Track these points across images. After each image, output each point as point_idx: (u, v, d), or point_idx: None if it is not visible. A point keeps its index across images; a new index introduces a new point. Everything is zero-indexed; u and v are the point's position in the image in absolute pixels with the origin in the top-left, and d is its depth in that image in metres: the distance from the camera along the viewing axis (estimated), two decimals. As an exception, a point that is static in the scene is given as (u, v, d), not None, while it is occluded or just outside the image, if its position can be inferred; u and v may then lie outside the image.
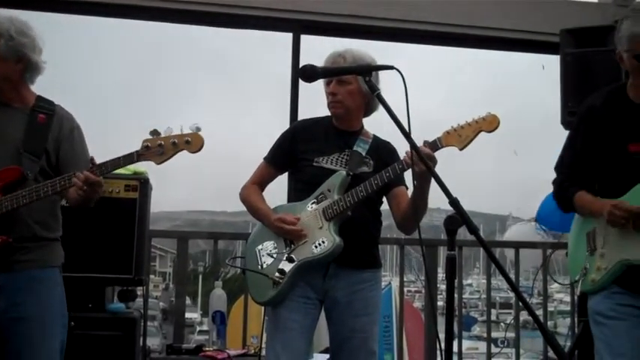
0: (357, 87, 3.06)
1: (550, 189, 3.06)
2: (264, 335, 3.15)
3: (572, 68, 4.61)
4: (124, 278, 3.98)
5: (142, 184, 4.03)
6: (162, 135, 2.74)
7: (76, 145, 2.98)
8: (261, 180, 3.26)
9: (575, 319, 4.93)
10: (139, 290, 4.19)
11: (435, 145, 2.84)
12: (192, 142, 2.74)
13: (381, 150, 3.18)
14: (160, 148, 2.72)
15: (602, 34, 4.56)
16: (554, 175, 3.05)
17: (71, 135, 2.97)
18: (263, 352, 3.35)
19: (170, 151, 2.74)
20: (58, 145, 2.92)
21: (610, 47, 4.43)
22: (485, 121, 2.83)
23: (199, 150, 2.76)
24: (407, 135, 2.44)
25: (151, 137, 2.74)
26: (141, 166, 3.99)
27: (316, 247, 2.98)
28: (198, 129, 2.75)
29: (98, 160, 2.77)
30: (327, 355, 3.54)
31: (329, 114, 3.23)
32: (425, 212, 3.04)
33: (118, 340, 3.82)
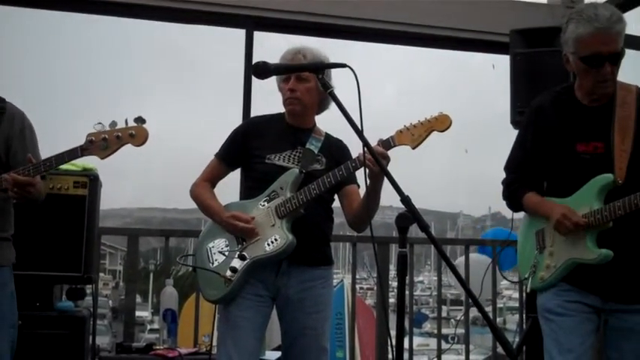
0: (314, 85, 3.06)
1: (498, 186, 3.10)
2: (216, 333, 3.13)
3: (522, 68, 4.68)
4: (73, 276, 3.92)
5: (92, 180, 3.97)
6: (107, 128, 2.69)
7: (27, 142, 2.92)
8: (212, 177, 3.23)
9: (524, 316, 5.01)
10: (88, 288, 4.13)
11: (388, 144, 2.86)
12: (137, 135, 2.70)
13: (333, 148, 3.18)
14: (104, 142, 2.68)
15: (552, 34, 4.63)
16: (503, 174, 3.09)
17: (22, 133, 2.92)
18: (214, 351, 3.32)
19: (114, 145, 2.69)
20: (8, 143, 2.87)
21: (559, 48, 4.52)
22: (438, 121, 2.86)
23: (144, 143, 2.72)
24: (359, 133, 2.45)
25: (95, 131, 2.69)
26: (90, 162, 3.93)
27: (269, 244, 2.97)
28: (143, 121, 2.70)
29: (44, 155, 2.73)
30: (279, 353, 3.54)
31: (282, 111, 3.22)
32: (377, 210, 3.05)
33: (66, 339, 3.76)
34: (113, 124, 2.70)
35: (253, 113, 4.86)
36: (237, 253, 3.01)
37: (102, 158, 2.72)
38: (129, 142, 2.70)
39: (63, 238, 3.89)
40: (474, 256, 5.74)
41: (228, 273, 2.98)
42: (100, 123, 2.70)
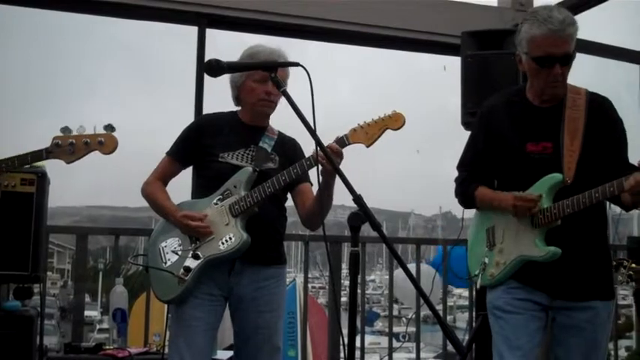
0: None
1: (449, 185, 3.14)
2: (168, 333, 3.11)
3: (472, 70, 4.73)
4: (20, 275, 3.84)
5: (40, 177, 3.89)
6: (74, 133, 2.64)
7: None
8: (164, 175, 3.20)
9: (474, 314, 5.08)
10: (36, 288, 4.06)
11: (342, 142, 2.88)
12: (106, 143, 2.65)
13: (286, 146, 3.19)
14: (71, 147, 2.63)
15: (501, 37, 4.70)
16: (454, 174, 3.13)
17: None
18: (166, 350, 3.30)
19: (82, 151, 2.65)
20: None
21: (508, 50, 4.60)
22: (391, 119, 2.89)
23: (113, 151, 2.68)
24: (312, 131, 2.46)
25: (61, 135, 2.64)
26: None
27: (223, 243, 2.96)
28: (113, 129, 2.66)
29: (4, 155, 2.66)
30: (231, 352, 3.53)
31: (234, 109, 3.21)
32: (330, 208, 3.06)
33: (13, 339, 3.68)
34: (81, 129, 2.65)
35: (205, 111, 4.83)
36: (191, 252, 2.99)
37: (67, 163, 2.67)
38: (97, 149, 2.65)
39: (10, 236, 3.80)
40: (424, 267, 5.79)
41: (182, 272, 2.96)
42: (67, 127, 2.64)
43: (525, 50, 2.79)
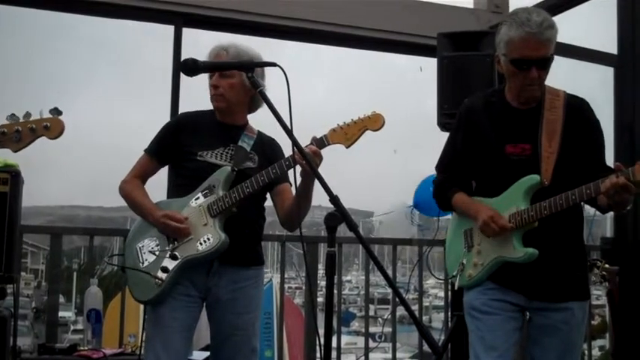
0: (239, 81, 3.03)
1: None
2: (144, 334, 3.08)
3: (448, 71, 4.74)
4: (-7, 275, 3.79)
5: (13, 177, 3.84)
6: (21, 120, 2.59)
7: None
8: (142, 173, 3.17)
9: (449, 314, 5.10)
10: (9, 288, 4.01)
11: (321, 143, 2.88)
12: (52, 128, 2.58)
13: (266, 146, 3.18)
14: (17, 134, 2.56)
15: (477, 38, 4.72)
16: (429, 174, 3.14)
17: None
18: (142, 351, 3.27)
19: (28, 138, 2.58)
20: None
21: (484, 52, 4.63)
22: (371, 120, 2.90)
23: (59, 135, 2.60)
24: (289, 132, 2.46)
25: (7, 122, 2.59)
26: (11, 158, 3.81)
27: (201, 244, 2.94)
28: (59, 113, 2.60)
29: None
30: (207, 353, 3.51)
31: (212, 108, 3.20)
32: (309, 209, 3.06)
33: (-14, 341, 3.64)
34: (27, 115, 2.59)
35: (181, 110, 4.81)
36: (169, 252, 2.97)
37: (14, 151, 2.60)
38: (43, 134, 2.58)
39: (-17, 236, 3.76)
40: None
41: (160, 273, 2.94)
42: (13, 114, 2.58)
43: (503, 52, 2.81)
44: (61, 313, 6.05)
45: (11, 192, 3.83)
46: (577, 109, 2.88)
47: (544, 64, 2.78)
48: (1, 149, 2.61)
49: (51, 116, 2.59)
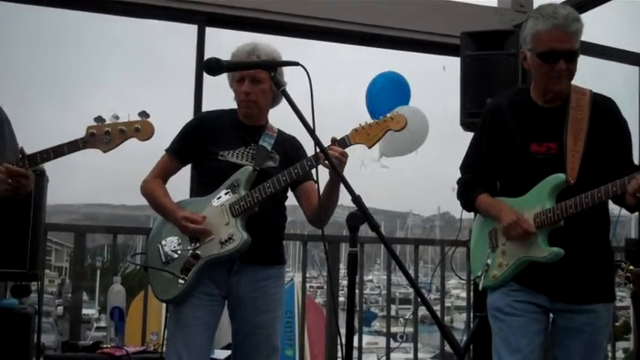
0: (269, 86, 3.04)
1: (447, 186, 3.14)
2: (166, 332, 3.10)
3: (472, 70, 4.72)
4: (18, 273, 3.83)
5: (38, 175, 3.87)
6: (108, 122, 2.64)
7: (6, 139, 2.85)
8: (164, 173, 3.18)
9: (471, 315, 5.08)
10: (34, 285, 4.05)
11: (343, 143, 2.87)
12: (142, 130, 2.64)
13: (287, 145, 3.18)
14: (106, 136, 2.62)
15: (501, 37, 4.70)
16: (452, 174, 3.13)
17: (1, 128, 2.85)
18: (164, 349, 3.29)
19: (118, 139, 2.63)
20: None
21: (508, 51, 4.60)
22: (394, 120, 2.89)
23: (150, 137, 2.66)
24: (311, 132, 2.45)
25: (95, 124, 2.64)
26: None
27: (223, 243, 2.95)
28: (147, 115, 2.66)
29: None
30: (229, 351, 3.52)
31: (233, 107, 3.20)
32: (336, 205, 3.04)
33: (11, 337, 3.68)
34: (115, 117, 2.64)
35: (204, 109, 4.83)
36: (191, 251, 2.98)
37: (104, 152, 2.66)
38: (134, 136, 2.64)
39: (8, 234, 3.80)
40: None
41: (182, 272, 2.96)
42: (100, 116, 2.64)
43: (530, 46, 2.79)
44: (84, 311, 6.10)
45: (36, 190, 3.86)
46: (603, 107, 2.85)
47: (571, 57, 2.75)
48: (90, 149, 2.65)
49: (140, 119, 2.64)
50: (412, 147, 5.48)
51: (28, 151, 2.66)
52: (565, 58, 2.73)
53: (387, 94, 5.63)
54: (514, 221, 2.78)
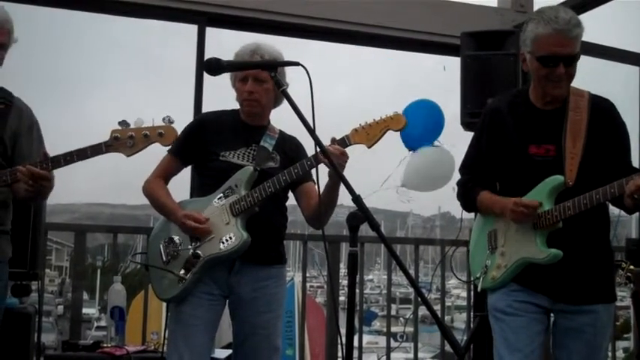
0: (272, 85, 3.04)
1: (447, 185, 3.14)
2: (166, 331, 3.11)
3: (472, 70, 4.73)
4: (18, 272, 3.82)
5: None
6: (132, 126, 2.65)
7: (34, 141, 2.88)
8: (165, 173, 3.19)
9: (472, 315, 5.08)
10: (34, 285, 4.06)
11: (343, 143, 2.88)
12: (166, 135, 2.67)
13: (287, 145, 3.18)
14: (130, 140, 2.64)
15: (501, 38, 4.70)
16: (452, 174, 3.13)
17: (30, 130, 2.89)
18: (165, 348, 3.30)
19: (141, 144, 2.66)
20: (15, 138, 2.82)
21: (508, 51, 4.60)
22: (393, 120, 2.89)
23: (172, 143, 2.70)
24: (311, 131, 2.46)
25: (120, 128, 2.65)
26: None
27: (223, 242, 2.95)
28: (171, 121, 2.68)
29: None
30: (229, 351, 3.53)
31: (234, 107, 3.21)
32: (335, 206, 3.05)
33: (11, 337, 3.68)
34: (139, 121, 2.66)
35: (204, 109, 4.83)
36: (191, 251, 2.99)
37: (127, 156, 2.68)
38: (157, 141, 2.67)
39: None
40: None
41: (182, 271, 2.96)
42: (124, 120, 2.66)
43: (530, 49, 2.79)
44: (84, 310, 6.10)
45: (36, 190, 3.87)
46: (602, 110, 2.85)
47: (571, 61, 2.76)
48: (114, 153, 2.67)
49: (164, 124, 2.66)
50: (435, 186, 5.44)
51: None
52: (565, 62, 2.74)
53: (422, 122, 5.39)
54: (515, 202, 2.77)
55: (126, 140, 2.65)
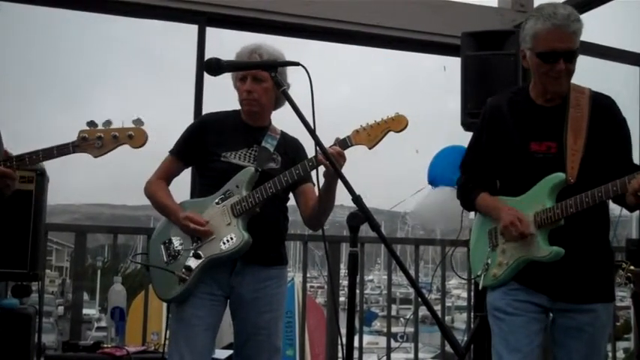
0: (271, 85, 3.04)
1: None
2: (167, 332, 3.11)
3: (472, 70, 4.73)
4: (19, 273, 3.84)
5: (38, 175, 3.89)
6: (100, 127, 2.63)
7: None
8: (167, 174, 3.19)
9: (472, 315, 5.08)
10: (34, 285, 4.06)
11: (344, 144, 2.88)
12: (135, 137, 2.63)
13: (289, 146, 3.18)
14: (98, 141, 2.61)
15: (501, 38, 4.70)
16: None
17: None
18: (165, 349, 3.30)
19: (110, 145, 2.62)
20: None
21: (508, 51, 4.60)
22: (394, 121, 2.89)
23: (143, 145, 2.65)
24: (312, 132, 2.46)
25: (87, 128, 2.63)
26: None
27: (224, 243, 2.95)
28: (141, 123, 2.65)
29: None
30: (230, 351, 3.53)
31: (235, 108, 3.21)
32: (332, 208, 3.06)
33: (11, 337, 3.69)
34: (108, 122, 2.63)
35: (205, 110, 4.83)
36: (192, 251, 2.99)
37: (95, 157, 2.64)
38: (126, 142, 2.63)
39: (8, 234, 3.80)
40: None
41: (183, 272, 2.96)
42: (92, 121, 2.63)
43: (529, 46, 2.79)
44: (85, 311, 6.10)
45: (36, 190, 3.88)
46: (603, 106, 2.85)
47: (571, 57, 2.76)
48: (81, 154, 2.65)
49: (134, 126, 2.64)
50: (441, 225, 5.42)
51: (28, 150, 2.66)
52: (564, 57, 2.74)
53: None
54: (511, 222, 2.77)
55: (94, 141, 2.61)
